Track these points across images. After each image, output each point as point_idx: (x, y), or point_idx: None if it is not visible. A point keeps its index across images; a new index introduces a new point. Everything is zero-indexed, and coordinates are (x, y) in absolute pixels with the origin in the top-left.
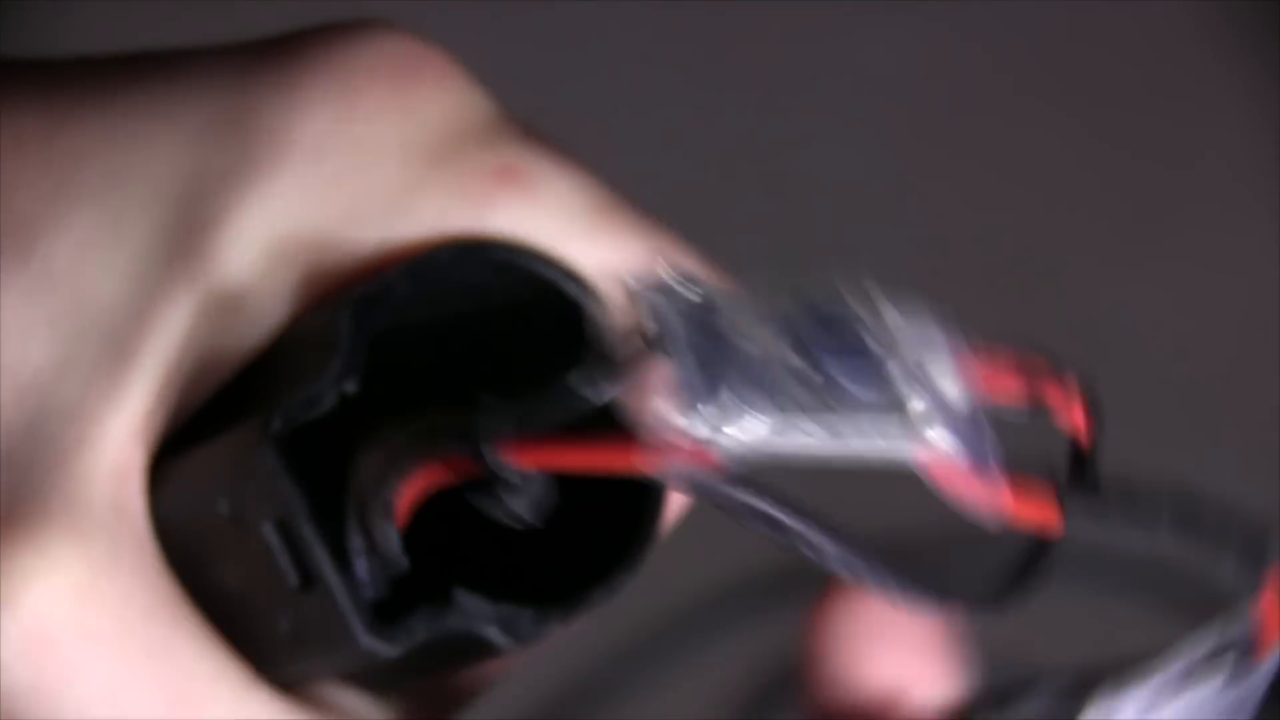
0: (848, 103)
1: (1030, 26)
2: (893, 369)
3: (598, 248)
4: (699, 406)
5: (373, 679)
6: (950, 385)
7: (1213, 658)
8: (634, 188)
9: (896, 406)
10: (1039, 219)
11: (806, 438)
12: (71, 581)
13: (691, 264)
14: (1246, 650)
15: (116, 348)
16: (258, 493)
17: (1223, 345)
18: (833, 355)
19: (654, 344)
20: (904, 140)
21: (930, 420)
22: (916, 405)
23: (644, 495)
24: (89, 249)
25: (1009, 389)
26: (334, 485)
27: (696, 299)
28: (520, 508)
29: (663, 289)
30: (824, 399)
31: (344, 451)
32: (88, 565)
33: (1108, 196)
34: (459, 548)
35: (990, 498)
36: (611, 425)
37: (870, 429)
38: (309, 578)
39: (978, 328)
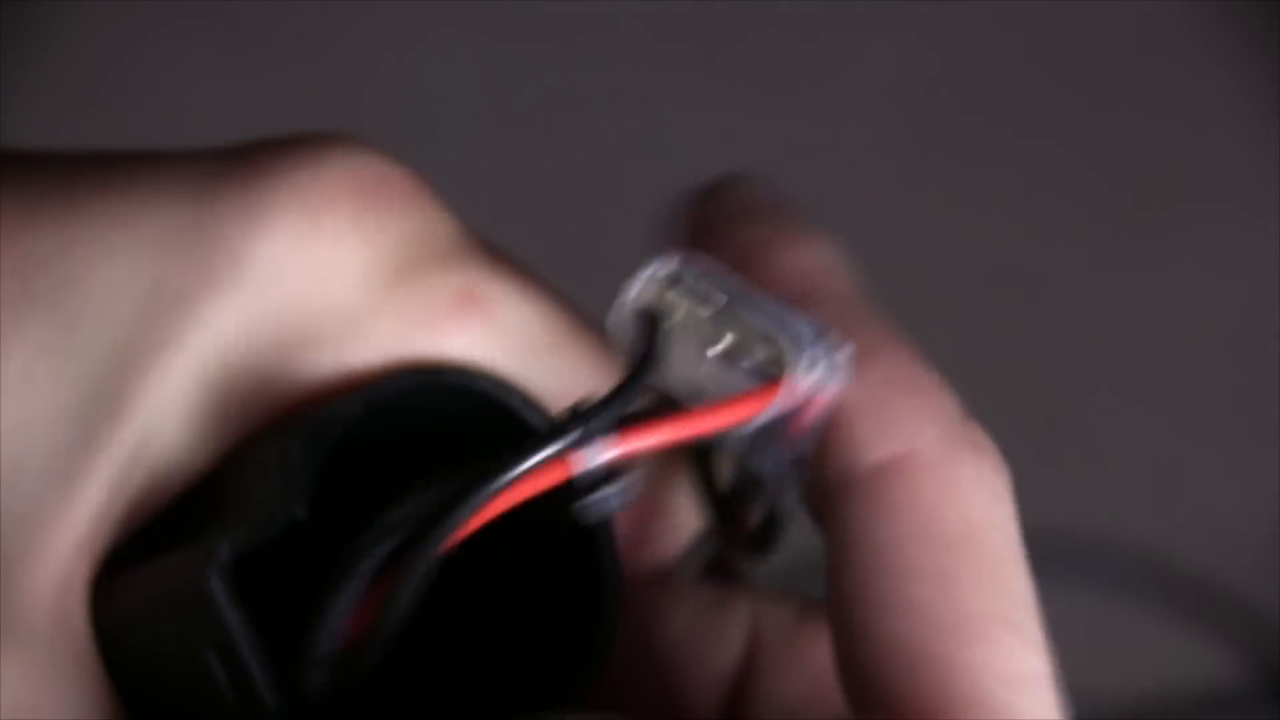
0: (847, 102)
1: (1031, 26)
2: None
3: (556, 375)
4: (804, 346)
5: None
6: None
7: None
8: (634, 188)
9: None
10: (1039, 219)
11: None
12: (12, 695)
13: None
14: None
15: (65, 462)
16: (200, 620)
17: (1223, 345)
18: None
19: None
20: (904, 140)
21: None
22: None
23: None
24: (42, 359)
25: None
26: (279, 606)
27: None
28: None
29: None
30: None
31: (290, 572)
32: (27, 679)
33: (1108, 196)
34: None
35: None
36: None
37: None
38: (248, 702)
39: (977, 328)
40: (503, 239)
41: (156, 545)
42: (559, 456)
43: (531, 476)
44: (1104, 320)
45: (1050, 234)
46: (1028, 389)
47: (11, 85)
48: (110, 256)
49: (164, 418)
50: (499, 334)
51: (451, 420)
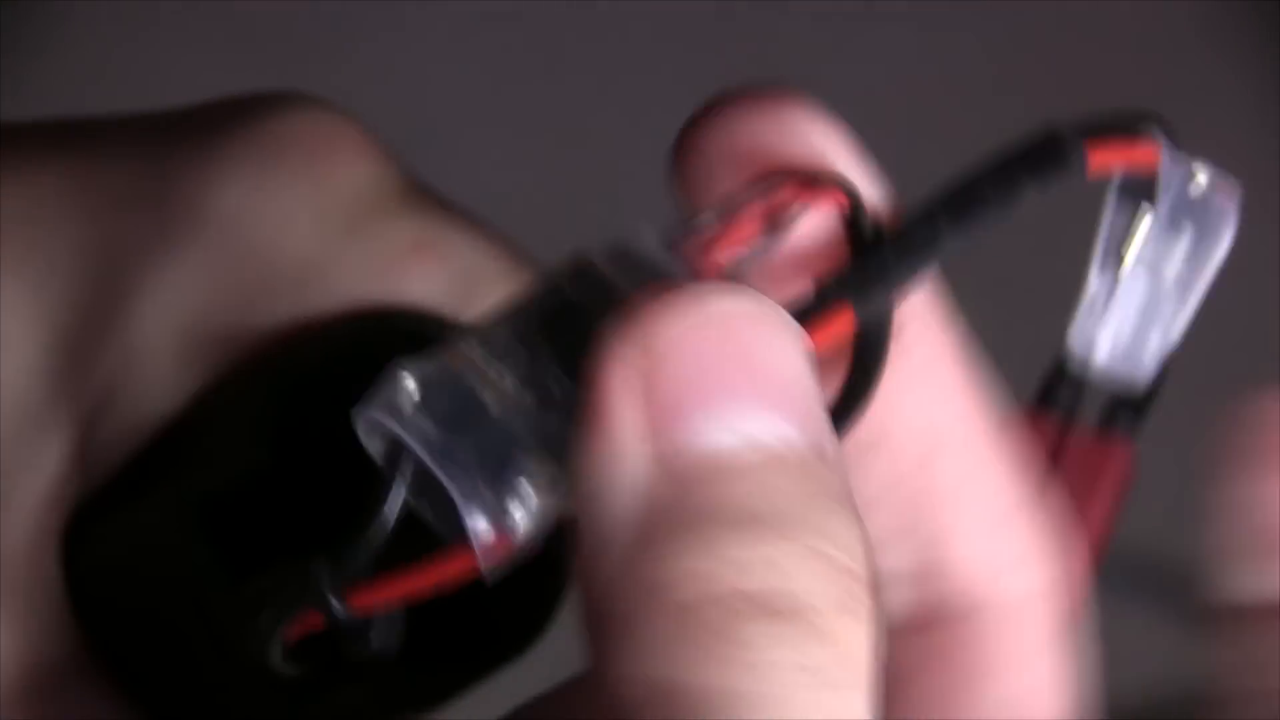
0: (847, 101)
1: (1031, 26)
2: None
3: None
4: (481, 505)
5: None
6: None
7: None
8: (633, 187)
9: None
10: (1039, 218)
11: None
12: None
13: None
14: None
15: (32, 417)
16: (170, 562)
17: (1223, 344)
18: (557, 365)
19: (398, 472)
20: (903, 140)
21: None
22: None
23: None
24: (10, 319)
25: (749, 234)
26: (246, 547)
27: (428, 388)
28: (374, 644)
29: (395, 410)
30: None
31: (256, 513)
32: (3, 632)
33: (1106, 195)
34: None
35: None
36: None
37: None
38: (222, 643)
39: (977, 328)
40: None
41: (126, 492)
42: None
43: None
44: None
45: (1050, 233)
46: (1027, 388)
47: (12, 85)
48: (73, 217)
49: (130, 369)
50: (453, 276)
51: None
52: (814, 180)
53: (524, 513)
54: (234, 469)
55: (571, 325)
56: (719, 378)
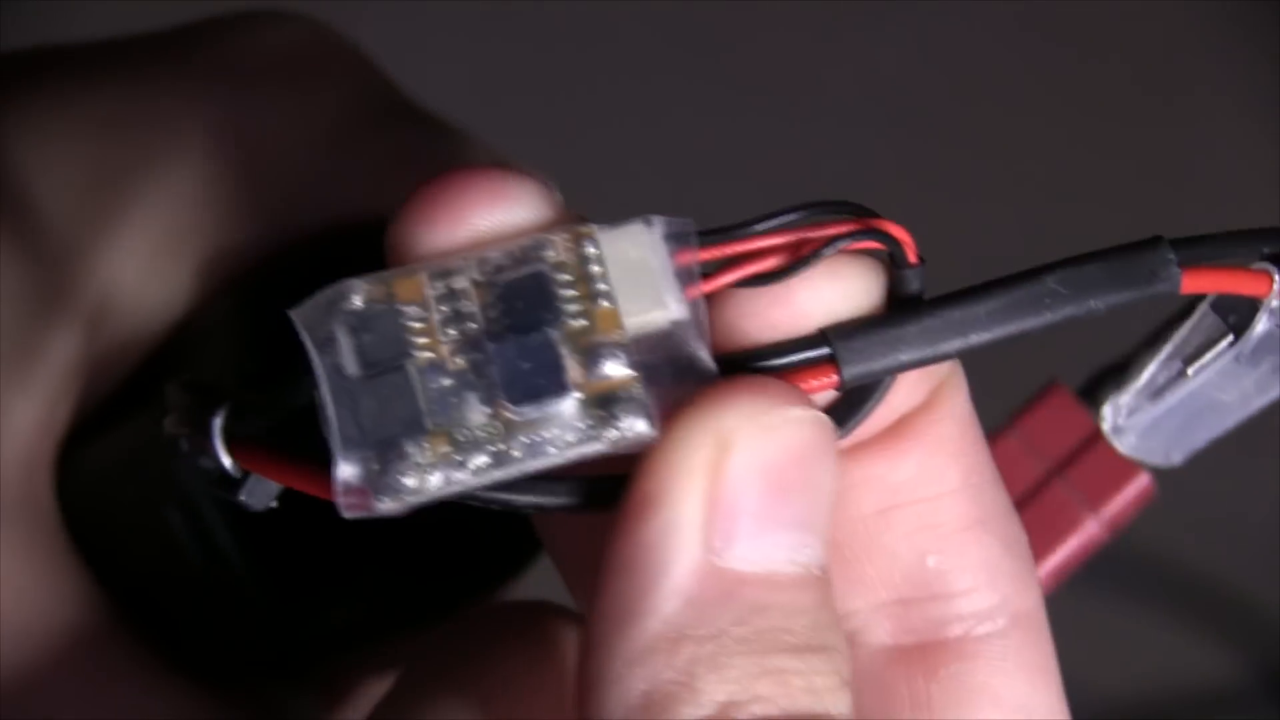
0: (847, 101)
1: (1031, 26)
2: (562, 349)
3: None
4: (360, 458)
5: (282, 664)
6: (666, 302)
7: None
8: (633, 188)
9: (564, 393)
10: (1039, 219)
11: (482, 474)
12: None
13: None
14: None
15: (21, 345)
16: (159, 476)
17: None
18: (508, 341)
19: (313, 390)
20: (903, 141)
21: (620, 406)
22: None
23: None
24: None
25: (767, 263)
26: (211, 392)
27: (365, 315)
28: (244, 496)
29: (329, 317)
30: (497, 411)
31: (247, 424)
32: (1, 560)
33: (1108, 195)
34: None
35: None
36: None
37: (546, 435)
38: (212, 555)
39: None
40: None
41: (114, 419)
42: None
43: None
44: (1104, 319)
45: (1051, 233)
46: (1027, 388)
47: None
48: (54, 140)
49: (117, 290)
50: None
51: None
52: (867, 222)
53: (393, 488)
54: (226, 384)
55: (536, 305)
56: (781, 495)
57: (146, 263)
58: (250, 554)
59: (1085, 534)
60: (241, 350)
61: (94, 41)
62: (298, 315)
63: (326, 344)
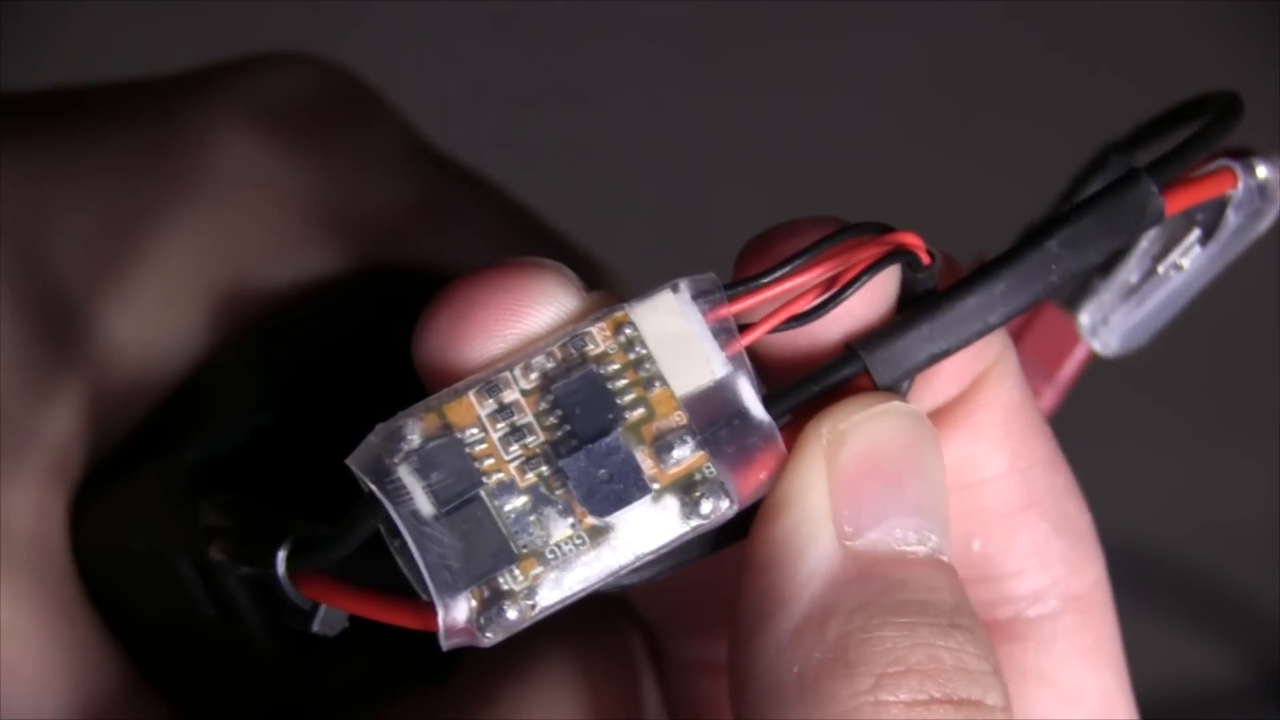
0: (847, 101)
1: (1031, 26)
2: (633, 448)
3: None
4: (460, 599)
5: (293, 717)
6: (711, 365)
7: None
8: (633, 187)
9: (644, 491)
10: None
11: (576, 587)
12: None
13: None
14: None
15: (35, 388)
16: (174, 529)
17: (1224, 345)
18: (579, 453)
19: (391, 541)
20: (902, 141)
21: (699, 491)
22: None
23: None
24: (6, 284)
25: (806, 298)
26: (256, 527)
27: (427, 452)
28: (317, 627)
29: (390, 472)
30: (580, 521)
31: (260, 472)
32: (13, 602)
33: None
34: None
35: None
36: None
37: (634, 534)
38: (225, 609)
39: None
40: None
41: (128, 465)
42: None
43: None
44: None
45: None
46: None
47: (11, 85)
48: (70, 180)
49: (127, 336)
50: (459, 236)
51: (412, 321)
52: (888, 242)
53: (495, 623)
54: (238, 433)
55: (595, 408)
56: (896, 481)
57: (158, 310)
58: (262, 607)
59: (1043, 404)
60: (256, 398)
61: (110, 83)
62: (355, 463)
63: (395, 490)
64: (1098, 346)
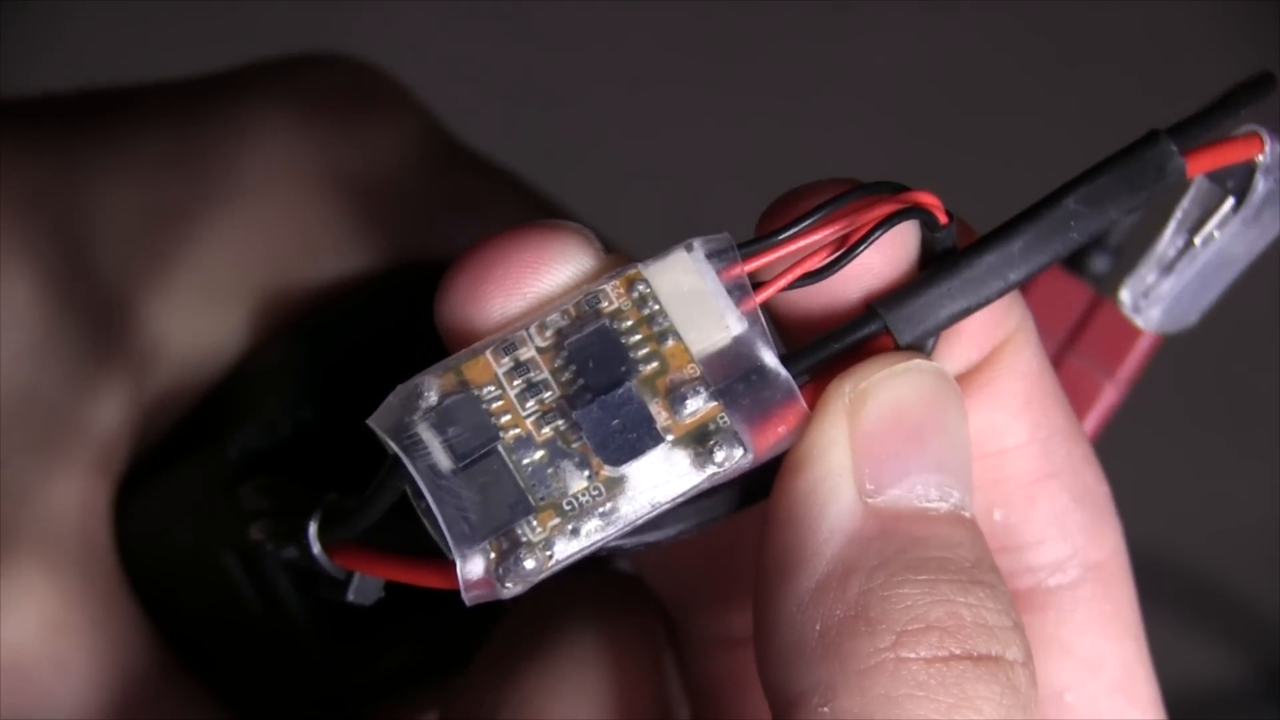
0: (848, 100)
1: (1031, 26)
2: (646, 398)
3: None
4: (478, 551)
5: (336, 707)
6: (727, 321)
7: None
8: (633, 187)
9: (657, 439)
10: None
11: (594, 537)
12: (44, 613)
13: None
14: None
15: (78, 383)
16: (218, 521)
17: (1224, 345)
18: (592, 404)
19: (412, 496)
20: (902, 141)
21: (714, 440)
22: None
23: None
24: (49, 284)
25: (819, 255)
26: (294, 508)
27: (445, 409)
28: (352, 596)
29: (412, 430)
30: (596, 473)
31: (302, 465)
32: (59, 596)
33: None
34: None
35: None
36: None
37: (649, 484)
38: (270, 601)
39: None
40: None
41: (172, 460)
42: None
43: None
44: None
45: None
46: None
47: (11, 85)
48: (109, 179)
49: (169, 334)
50: (491, 230)
51: None
52: (902, 199)
53: (515, 573)
54: (279, 428)
55: (608, 361)
56: (917, 437)
57: (199, 306)
58: (307, 599)
59: (1106, 401)
60: (297, 393)
61: (147, 84)
62: (375, 422)
63: (413, 446)
64: (1140, 322)
